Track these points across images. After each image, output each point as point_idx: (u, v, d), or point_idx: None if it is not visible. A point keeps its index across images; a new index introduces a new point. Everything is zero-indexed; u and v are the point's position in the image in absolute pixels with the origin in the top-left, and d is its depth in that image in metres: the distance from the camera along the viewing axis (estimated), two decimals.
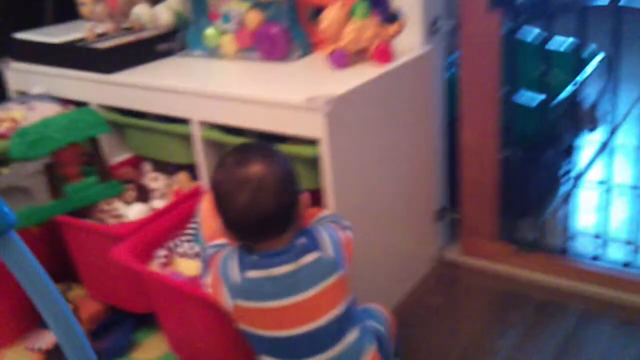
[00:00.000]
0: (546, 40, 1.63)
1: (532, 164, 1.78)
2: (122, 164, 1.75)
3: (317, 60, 1.57)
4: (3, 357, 1.56)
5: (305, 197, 1.13)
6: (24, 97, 1.77)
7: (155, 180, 1.66)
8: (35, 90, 1.79)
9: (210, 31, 1.68)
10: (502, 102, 1.62)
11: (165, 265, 1.40)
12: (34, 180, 1.49)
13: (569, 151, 2.02)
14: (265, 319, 1.08)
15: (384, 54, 1.45)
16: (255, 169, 1.03)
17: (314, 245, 1.07)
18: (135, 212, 1.56)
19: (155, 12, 1.77)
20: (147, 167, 1.73)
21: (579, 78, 1.78)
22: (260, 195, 1.01)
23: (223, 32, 1.66)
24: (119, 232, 1.44)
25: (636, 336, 1.49)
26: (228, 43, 1.65)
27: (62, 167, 1.55)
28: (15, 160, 1.48)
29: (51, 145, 1.50)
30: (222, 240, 1.15)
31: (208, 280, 1.12)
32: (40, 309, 0.62)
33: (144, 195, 1.61)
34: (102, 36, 1.86)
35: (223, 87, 1.46)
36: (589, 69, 1.94)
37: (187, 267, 1.38)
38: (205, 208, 1.25)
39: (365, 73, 1.41)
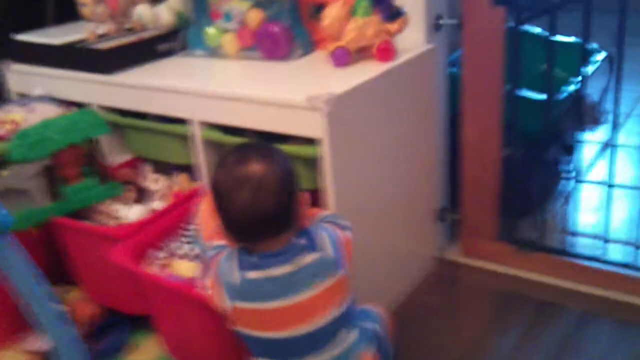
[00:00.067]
0: (549, 38, 1.63)
1: (533, 162, 1.78)
2: (122, 165, 1.74)
3: (319, 58, 1.57)
4: (1, 358, 1.56)
5: (304, 197, 1.13)
6: (25, 99, 1.77)
7: (155, 182, 1.66)
8: (36, 92, 1.79)
9: (211, 30, 1.67)
10: (504, 100, 1.61)
11: (163, 267, 1.40)
12: (33, 182, 1.49)
13: (570, 150, 2.01)
14: (264, 320, 1.08)
15: (385, 52, 1.45)
16: (256, 168, 1.02)
17: (313, 245, 1.07)
18: (134, 213, 1.55)
19: (156, 12, 1.77)
20: (146, 168, 1.73)
21: (582, 76, 1.78)
22: (260, 195, 1.01)
23: (224, 32, 1.66)
24: (117, 234, 1.43)
25: (636, 336, 1.48)
26: (229, 42, 1.65)
27: (61, 169, 1.54)
28: (15, 163, 1.47)
29: (51, 147, 1.50)
30: (221, 242, 1.15)
31: (208, 282, 1.12)
32: (34, 311, 0.62)
33: (143, 196, 1.61)
34: (103, 37, 1.85)
35: (224, 87, 1.46)
36: (592, 67, 1.93)
37: (186, 268, 1.37)
38: (205, 209, 1.25)
39: (366, 71, 1.41)
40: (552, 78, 1.64)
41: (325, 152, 1.29)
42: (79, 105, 1.72)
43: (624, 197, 1.89)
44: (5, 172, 1.49)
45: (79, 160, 1.58)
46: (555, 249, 1.72)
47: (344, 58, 1.46)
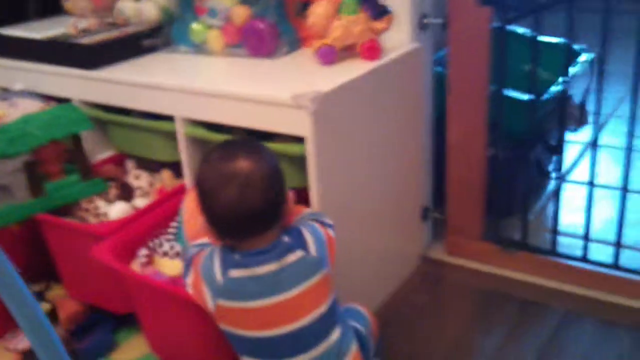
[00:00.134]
0: (535, 38, 1.63)
1: (519, 162, 1.78)
2: (105, 161, 1.72)
3: (305, 56, 1.56)
4: None
5: (290, 195, 1.12)
6: (6, 93, 1.74)
7: (138, 178, 1.64)
8: (17, 86, 1.76)
9: (196, 26, 1.65)
10: (489, 99, 1.61)
11: (146, 264, 1.38)
12: (13, 178, 1.47)
13: (555, 150, 2.02)
14: (248, 319, 1.07)
15: (371, 51, 1.44)
16: (243, 164, 1.02)
17: (297, 244, 1.06)
18: (117, 210, 1.53)
19: (140, 6, 1.75)
20: (130, 164, 1.71)
21: (567, 76, 1.79)
22: (247, 191, 1.00)
23: (209, 27, 1.64)
24: (99, 231, 1.41)
25: (618, 336, 1.49)
26: (214, 39, 1.64)
27: (43, 165, 1.52)
28: None
29: (32, 142, 1.47)
30: (204, 240, 1.14)
31: (189, 280, 1.10)
32: (12, 311, 0.60)
33: (126, 193, 1.59)
34: (85, 31, 1.83)
35: (209, 84, 1.45)
36: (577, 67, 1.95)
37: (169, 266, 1.36)
38: (189, 206, 1.23)
39: (353, 70, 1.40)
40: (537, 78, 1.65)
41: (310, 150, 1.28)
42: (61, 100, 1.70)
43: (607, 197, 1.90)
44: None
45: (60, 156, 1.55)
46: (539, 248, 1.73)
47: (329, 56, 1.45)
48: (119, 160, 1.74)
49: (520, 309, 1.61)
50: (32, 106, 1.62)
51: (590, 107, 2.04)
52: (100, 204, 1.56)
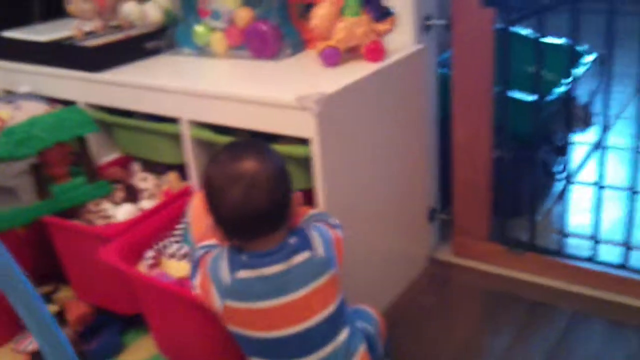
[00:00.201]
0: (539, 39, 1.63)
1: (525, 163, 1.78)
2: (111, 163, 1.72)
3: (308, 58, 1.56)
4: None
5: (297, 197, 1.11)
6: (11, 96, 1.74)
7: (144, 181, 1.64)
8: (22, 89, 1.77)
9: (199, 29, 1.65)
10: (495, 101, 1.61)
11: (153, 266, 1.38)
12: (20, 181, 1.47)
13: (561, 150, 2.01)
14: (255, 320, 1.06)
15: (375, 52, 1.44)
16: (249, 165, 1.01)
17: (304, 244, 1.06)
18: (123, 212, 1.53)
19: (144, 9, 1.75)
20: (136, 167, 1.71)
21: (572, 77, 1.78)
22: (253, 192, 1.00)
23: (212, 30, 1.64)
24: (106, 233, 1.42)
25: (627, 337, 1.48)
26: (218, 41, 1.64)
27: (49, 167, 1.53)
28: (1, 161, 1.45)
29: (38, 145, 1.47)
30: (211, 241, 1.13)
31: (197, 281, 1.10)
32: (20, 313, 0.60)
33: (132, 195, 1.59)
34: (90, 34, 1.83)
35: (213, 86, 1.45)
36: (582, 67, 1.94)
37: (176, 268, 1.36)
38: (195, 208, 1.23)
39: (356, 71, 1.40)
40: (541, 79, 1.64)
41: (315, 152, 1.28)
42: (65, 103, 1.70)
43: (615, 198, 1.89)
44: None
45: (66, 158, 1.56)
46: (546, 249, 1.72)
47: (333, 57, 1.45)
48: (124, 163, 1.74)
49: (528, 310, 1.60)
50: (37, 109, 1.63)
51: (597, 108, 2.03)
52: (107, 206, 1.56)
